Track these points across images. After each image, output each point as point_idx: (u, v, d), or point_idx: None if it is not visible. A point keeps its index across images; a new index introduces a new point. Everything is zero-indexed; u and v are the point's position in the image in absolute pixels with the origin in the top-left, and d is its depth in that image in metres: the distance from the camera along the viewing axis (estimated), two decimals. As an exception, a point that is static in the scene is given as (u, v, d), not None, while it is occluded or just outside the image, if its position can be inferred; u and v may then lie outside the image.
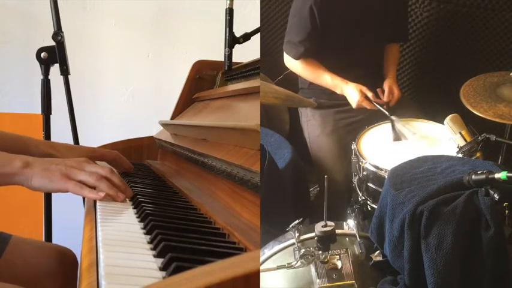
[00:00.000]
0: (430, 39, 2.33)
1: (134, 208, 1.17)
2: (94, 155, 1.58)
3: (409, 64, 2.42)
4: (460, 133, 1.57)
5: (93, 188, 1.20)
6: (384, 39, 2.13)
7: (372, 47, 2.08)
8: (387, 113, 1.87)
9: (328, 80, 2.01)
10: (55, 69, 2.10)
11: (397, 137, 1.81)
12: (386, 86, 2.02)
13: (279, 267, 1.32)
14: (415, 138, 1.78)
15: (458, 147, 1.57)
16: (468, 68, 2.24)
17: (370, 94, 1.94)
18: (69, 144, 1.62)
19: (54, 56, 2.06)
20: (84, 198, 1.53)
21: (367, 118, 1.94)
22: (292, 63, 2.07)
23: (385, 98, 1.99)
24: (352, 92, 1.96)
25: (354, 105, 1.97)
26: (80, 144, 2.18)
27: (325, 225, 1.29)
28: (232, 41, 1.95)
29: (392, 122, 1.85)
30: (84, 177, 1.19)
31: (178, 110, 2.21)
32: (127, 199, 1.25)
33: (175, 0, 2.71)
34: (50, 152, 1.49)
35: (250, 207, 1.11)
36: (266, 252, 1.43)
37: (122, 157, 1.63)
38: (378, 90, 2.03)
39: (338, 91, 2.02)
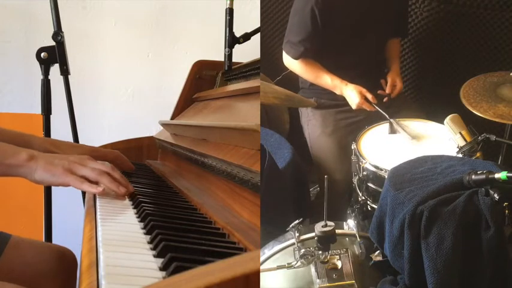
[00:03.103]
0: (430, 39, 2.33)
1: (134, 208, 1.17)
2: (96, 154, 1.58)
3: (409, 64, 2.42)
4: (460, 133, 1.57)
5: (95, 183, 1.21)
6: (385, 39, 2.14)
7: (372, 47, 2.08)
8: (387, 115, 1.87)
9: (327, 80, 2.01)
10: (55, 69, 2.10)
11: (393, 130, 1.82)
12: (389, 78, 2.04)
13: (279, 267, 1.32)
14: (414, 140, 1.78)
15: (458, 147, 1.57)
16: (468, 68, 2.24)
17: (369, 96, 1.95)
18: (72, 143, 1.64)
19: (54, 56, 2.06)
20: (84, 198, 1.53)
21: (368, 118, 1.94)
22: (292, 63, 2.07)
23: (387, 90, 2.01)
24: (352, 94, 1.97)
25: (353, 106, 1.98)
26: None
27: (325, 225, 1.29)
28: (232, 41, 1.95)
29: (390, 122, 1.85)
30: (86, 172, 1.22)
31: (178, 110, 2.21)
32: (127, 198, 1.25)
33: (175, 0, 2.71)
34: (52, 150, 1.50)
35: (250, 207, 1.11)
36: (266, 252, 1.43)
37: (123, 157, 1.64)
38: (382, 81, 2.05)
39: (337, 92, 2.02)
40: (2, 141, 1.43)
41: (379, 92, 2.01)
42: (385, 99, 1.99)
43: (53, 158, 1.23)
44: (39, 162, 1.20)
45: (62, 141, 1.60)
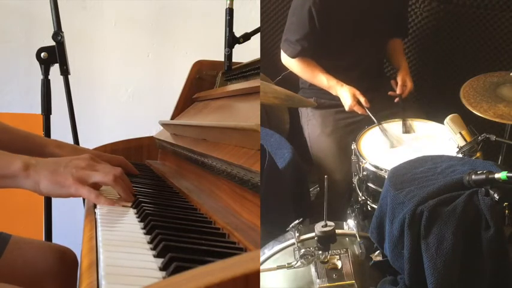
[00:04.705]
0: (430, 39, 2.33)
1: (134, 208, 1.16)
2: (100, 159, 1.57)
3: (409, 64, 2.42)
4: (460, 133, 1.57)
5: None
6: (384, 40, 2.14)
7: (369, 49, 2.07)
8: (375, 120, 1.87)
9: (323, 81, 2.01)
10: (55, 69, 2.10)
11: (407, 130, 1.82)
12: (399, 78, 2.04)
13: (279, 267, 1.32)
14: (414, 140, 1.79)
15: (458, 147, 1.57)
16: (468, 68, 2.24)
17: (362, 99, 1.94)
18: (76, 146, 1.61)
19: (54, 56, 2.06)
20: (84, 198, 1.53)
21: (368, 118, 1.94)
22: (289, 62, 2.07)
23: (398, 90, 2.01)
24: (345, 95, 1.97)
25: (346, 108, 1.98)
26: (80, 144, 2.18)
27: (325, 225, 1.29)
28: (232, 41, 1.95)
29: (382, 128, 1.85)
30: (99, 177, 1.13)
31: (178, 110, 2.21)
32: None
33: (175, 0, 2.71)
34: (57, 152, 1.48)
35: (250, 207, 1.11)
36: (266, 252, 1.43)
37: (128, 163, 1.58)
38: (392, 82, 2.05)
39: (333, 93, 2.02)
40: (16, 140, 1.40)
41: (389, 93, 2.01)
42: (396, 100, 1.98)
43: (55, 166, 1.11)
44: (40, 172, 1.09)
45: (67, 143, 1.56)
